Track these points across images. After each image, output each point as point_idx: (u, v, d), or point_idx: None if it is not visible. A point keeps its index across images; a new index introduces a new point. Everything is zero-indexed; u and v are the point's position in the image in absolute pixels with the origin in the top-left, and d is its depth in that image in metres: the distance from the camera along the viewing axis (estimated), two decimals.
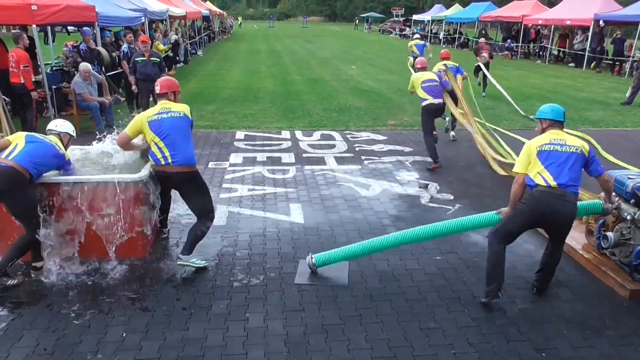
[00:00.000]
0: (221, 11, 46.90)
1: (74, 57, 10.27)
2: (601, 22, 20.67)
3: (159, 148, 4.13)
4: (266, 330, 3.48)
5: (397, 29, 49.14)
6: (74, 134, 4.54)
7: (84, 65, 8.88)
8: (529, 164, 3.78)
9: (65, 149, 4.36)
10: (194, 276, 4.19)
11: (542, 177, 3.69)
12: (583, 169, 3.80)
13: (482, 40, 19.82)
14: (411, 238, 4.19)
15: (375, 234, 5.00)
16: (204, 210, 4.26)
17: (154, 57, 9.24)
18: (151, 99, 9.16)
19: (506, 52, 27.10)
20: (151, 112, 4.23)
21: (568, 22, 22.73)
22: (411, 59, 12.92)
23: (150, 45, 10.18)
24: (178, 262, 4.24)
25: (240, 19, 68.15)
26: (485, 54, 13.73)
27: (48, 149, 4.12)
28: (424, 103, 7.35)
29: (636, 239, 4.15)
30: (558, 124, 3.91)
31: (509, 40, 27.99)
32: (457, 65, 9.02)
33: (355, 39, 42.59)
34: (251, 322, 3.57)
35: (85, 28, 10.65)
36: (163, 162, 4.13)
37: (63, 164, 4.23)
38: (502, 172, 7.08)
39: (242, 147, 8.25)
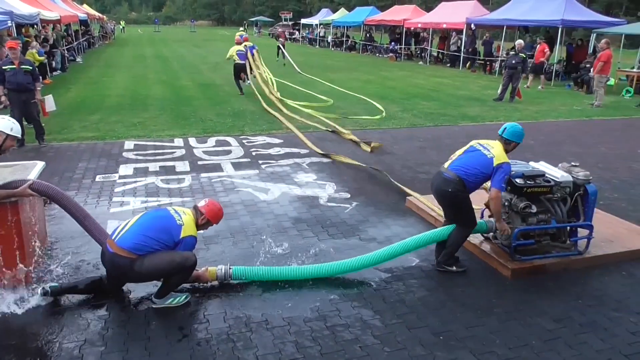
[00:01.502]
0: (101, 15, 44.44)
1: None
2: (472, 26, 22.51)
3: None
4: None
5: (287, 32, 49.72)
6: (13, 133, 4.00)
7: None
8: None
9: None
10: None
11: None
12: (483, 173, 4.28)
13: (279, 29, 24.87)
14: (330, 271, 4.27)
15: (277, 238, 5.03)
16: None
17: (25, 64, 8.41)
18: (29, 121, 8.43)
19: (391, 54, 28.50)
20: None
21: (444, 26, 24.45)
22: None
23: (23, 51, 9.31)
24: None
25: (122, 23, 64.82)
26: (281, 39, 24.95)
27: None
28: (235, 62, 14.12)
29: (514, 223, 4.58)
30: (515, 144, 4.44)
31: (392, 43, 29.46)
32: (253, 45, 14.66)
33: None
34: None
35: None
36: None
37: None
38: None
39: (132, 158, 7.85)
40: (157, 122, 10.52)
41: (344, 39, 36.43)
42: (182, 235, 3.74)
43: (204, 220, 3.95)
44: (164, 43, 39.45)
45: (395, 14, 30.05)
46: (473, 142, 4.52)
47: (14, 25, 13.67)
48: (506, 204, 4.61)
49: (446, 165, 4.44)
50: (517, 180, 4.53)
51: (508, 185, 4.60)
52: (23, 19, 15.22)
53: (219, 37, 51.05)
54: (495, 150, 4.30)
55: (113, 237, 3.76)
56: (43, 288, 3.83)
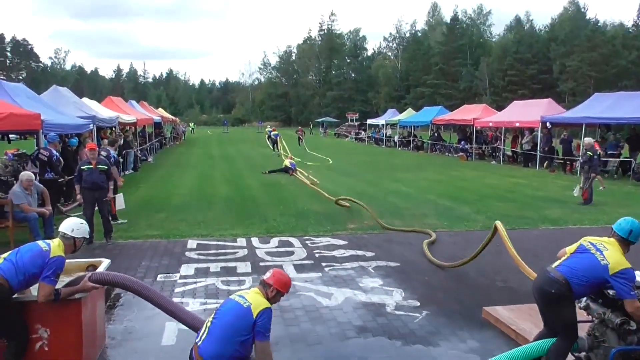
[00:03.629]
0: (173, 117, 48.27)
1: (13, 166, 10.12)
2: (548, 124, 22.36)
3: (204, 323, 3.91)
4: None
5: (352, 133, 51.70)
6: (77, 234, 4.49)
7: (27, 175, 8.77)
8: None
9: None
10: None
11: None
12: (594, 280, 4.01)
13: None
14: None
15: (338, 348, 4.85)
16: None
17: (101, 164, 9.21)
18: (97, 208, 9.04)
19: (461, 154, 28.58)
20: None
21: (517, 125, 24.47)
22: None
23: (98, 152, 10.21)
24: None
25: (192, 124, 69.97)
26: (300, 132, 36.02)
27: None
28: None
29: (609, 341, 4.16)
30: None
31: (462, 142, 29.66)
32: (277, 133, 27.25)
33: (311, 143, 44.14)
34: None
35: (51, 134, 10.96)
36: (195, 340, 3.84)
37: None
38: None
39: (194, 257, 8.07)
40: (221, 220, 10.89)
41: (411, 138, 37.15)
42: (254, 315, 3.65)
43: (274, 292, 3.86)
44: (232, 143, 41.87)
45: (465, 113, 30.54)
46: (583, 241, 4.22)
47: (94, 127, 15.09)
48: (597, 320, 4.23)
49: (553, 265, 4.20)
50: (610, 291, 4.18)
51: (599, 297, 4.24)
52: (103, 122, 16.89)
53: (284, 136, 53.44)
54: (610, 254, 4.00)
55: (197, 342, 3.74)
56: None
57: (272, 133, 33.97)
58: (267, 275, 3.92)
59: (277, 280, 3.88)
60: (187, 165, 23.08)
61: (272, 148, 32.00)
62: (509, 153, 27.07)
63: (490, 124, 27.09)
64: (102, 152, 10.81)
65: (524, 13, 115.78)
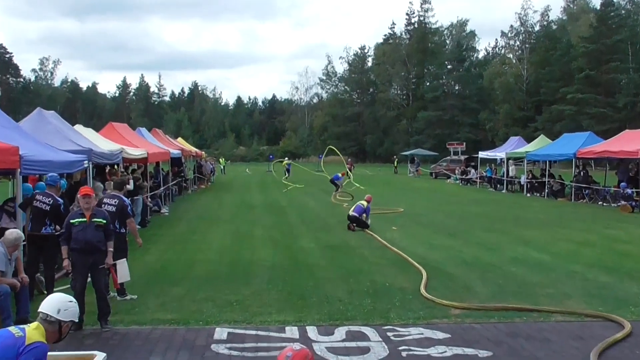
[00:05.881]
0: (198, 151, 49.53)
1: None
2: None
3: None
4: None
5: (456, 172, 51.12)
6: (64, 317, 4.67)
7: (16, 234, 9.24)
8: None
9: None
10: None
11: None
12: None
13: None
14: None
15: None
16: None
17: (99, 217, 9.44)
18: (90, 278, 9.28)
19: (623, 203, 27.62)
20: None
21: None
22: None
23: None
24: None
25: (222, 161, 71.64)
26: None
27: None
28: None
29: None
30: None
31: (624, 185, 28.70)
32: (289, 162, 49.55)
33: (396, 187, 44.16)
34: None
35: (51, 175, 11.48)
36: None
37: None
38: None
39: (223, 353, 8.12)
40: (263, 301, 10.93)
41: (546, 179, 36.35)
42: None
43: None
44: (279, 186, 42.40)
45: (626, 142, 29.59)
46: None
47: (90, 165, 15.63)
48: None
49: None
50: None
51: None
52: (103, 158, 17.52)
53: (355, 178, 53.65)
54: None
55: None
56: None
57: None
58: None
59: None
60: (216, 219, 23.57)
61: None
62: None
63: None
64: (108, 200, 11.16)
65: None
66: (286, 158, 70.62)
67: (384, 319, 9.82)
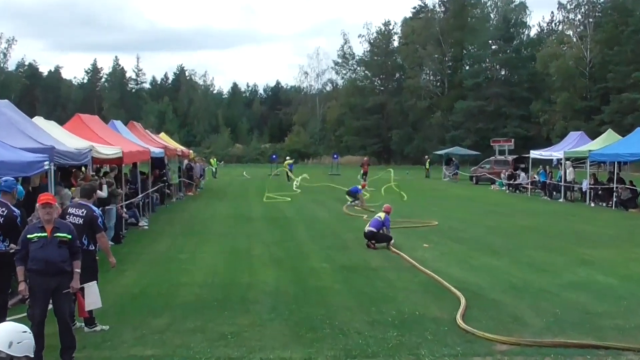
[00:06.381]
0: (185, 149, 49.16)
1: None
2: None
3: None
4: None
5: (502, 175, 50.82)
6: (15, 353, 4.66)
7: None
8: None
9: None
10: None
11: None
12: None
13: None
14: None
15: None
16: None
17: (62, 231, 9.42)
18: (51, 306, 9.28)
19: None
20: None
21: None
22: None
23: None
24: None
25: (213, 162, 71.34)
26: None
27: None
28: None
29: None
30: None
31: None
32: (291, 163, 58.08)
33: (428, 194, 43.96)
34: None
35: (5, 179, 11.34)
36: None
37: None
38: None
39: None
40: (264, 333, 10.93)
41: (614, 185, 36.17)
42: None
43: None
44: (284, 194, 42.30)
45: None
46: None
47: (52, 167, 15.55)
48: None
49: None
50: None
51: None
52: (68, 158, 17.41)
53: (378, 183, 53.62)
54: None
55: None
56: None
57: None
58: None
59: None
60: (206, 234, 23.63)
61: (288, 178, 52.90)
62: None
63: None
64: (74, 210, 11.07)
65: None
66: (287, 157, 73.22)
67: (413, 356, 9.82)
